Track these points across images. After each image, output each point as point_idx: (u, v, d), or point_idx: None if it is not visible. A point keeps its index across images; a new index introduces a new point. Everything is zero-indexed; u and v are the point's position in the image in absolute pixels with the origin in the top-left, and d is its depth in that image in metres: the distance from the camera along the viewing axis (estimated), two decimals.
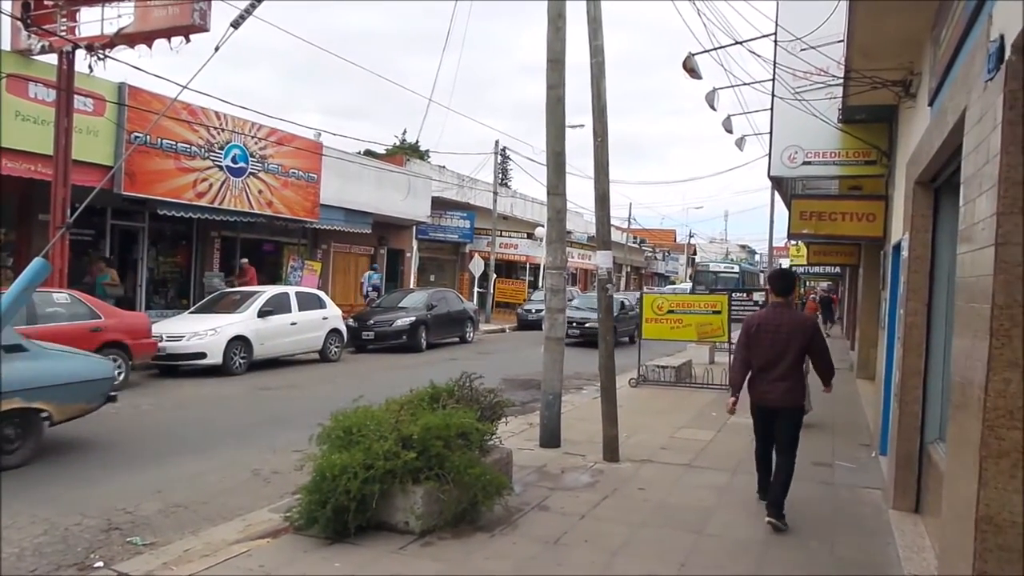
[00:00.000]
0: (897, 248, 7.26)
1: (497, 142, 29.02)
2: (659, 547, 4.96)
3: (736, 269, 39.28)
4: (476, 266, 27.94)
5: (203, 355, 12.64)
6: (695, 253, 65.95)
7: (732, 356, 6.62)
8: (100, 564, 4.59)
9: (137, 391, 10.96)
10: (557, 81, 7.74)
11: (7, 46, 12.85)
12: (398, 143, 38.30)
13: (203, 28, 11.46)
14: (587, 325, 19.49)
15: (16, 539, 4.95)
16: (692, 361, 13.90)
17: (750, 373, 5.76)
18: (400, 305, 18.98)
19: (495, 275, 29.39)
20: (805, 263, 27.12)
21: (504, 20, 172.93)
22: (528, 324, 24.75)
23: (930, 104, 5.54)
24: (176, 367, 12.73)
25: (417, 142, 32.95)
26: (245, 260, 18.12)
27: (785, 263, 45.92)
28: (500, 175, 33.52)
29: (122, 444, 7.86)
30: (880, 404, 7.91)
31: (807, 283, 47.09)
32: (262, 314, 13.83)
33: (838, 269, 27.30)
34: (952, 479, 3.55)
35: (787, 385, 5.60)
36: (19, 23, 12.49)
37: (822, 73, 9.05)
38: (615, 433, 7.34)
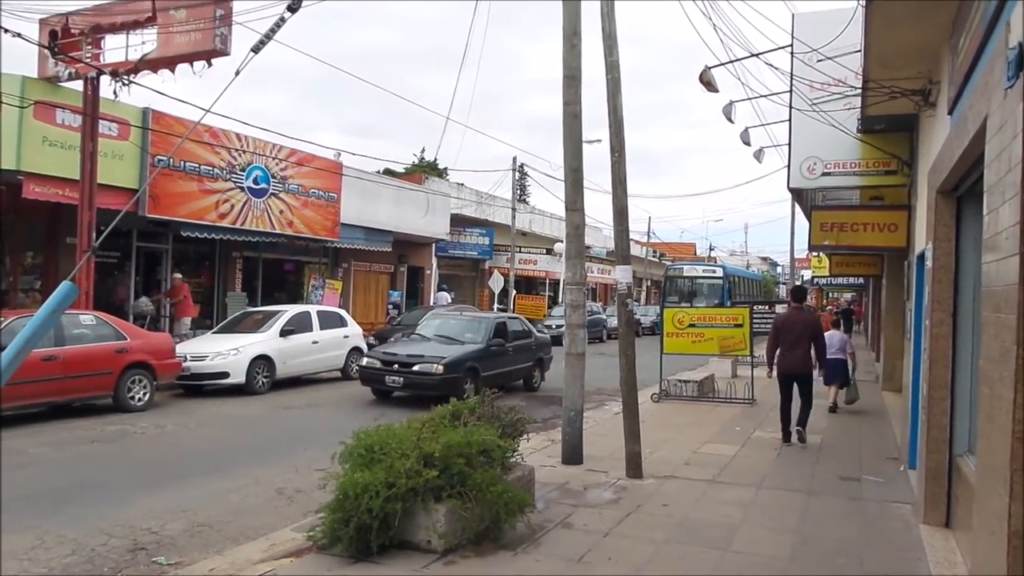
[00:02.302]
0: (921, 258, 7.17)
1: (515, 159, 29.16)
2: (684, 564, 4.91)
3: (718, 273, 30.69)
4: (495, 282, 27.99)
5: (226, 374, 12.75)
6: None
7: (768, 341, 9.77)
8: None
9: (162, 411, 11.07)
10: (573, 98, 7.77)
11: (35, 73, 13.17)
12: (416, 161, 38.59)
13: (224, 52, 11.66)
14: (416, 368, 11.78)
15: (44, 559, 5.01)
16: (715, 375, 13.78)
17: (778, 352, 9.12)
18: (420, 322, 18.98)
19: (515, 291, 29.40)
20: (827, 274, 26.90)
21: (517, 35, 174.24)
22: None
23: (950, 113, 5.50)
24: (200, 387, 12.85)
25: (435, 160, 33.16)
26: (178, 276, 16.52)
27: (807, 275, 45.58)
28: (518, 191, 33.64)
29: (147, 464, 7.94)
30: (907, 416, 7.79)
31: (829, 295, 46.65)
32: (284, 333, 13.94)
33: (861, 280, 27.03)
34: (983, 492, 3.48)
35: (802, 359, 8.96)
36: (46, 51, 12.80)
37: (840, 84, 9.02)
38: (638, 449, 7.29)
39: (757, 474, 7.41)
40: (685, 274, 30.38)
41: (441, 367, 11.72)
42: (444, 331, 13.54)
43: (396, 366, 12.03)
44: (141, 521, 5.82)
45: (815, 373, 9.31)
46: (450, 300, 26.48)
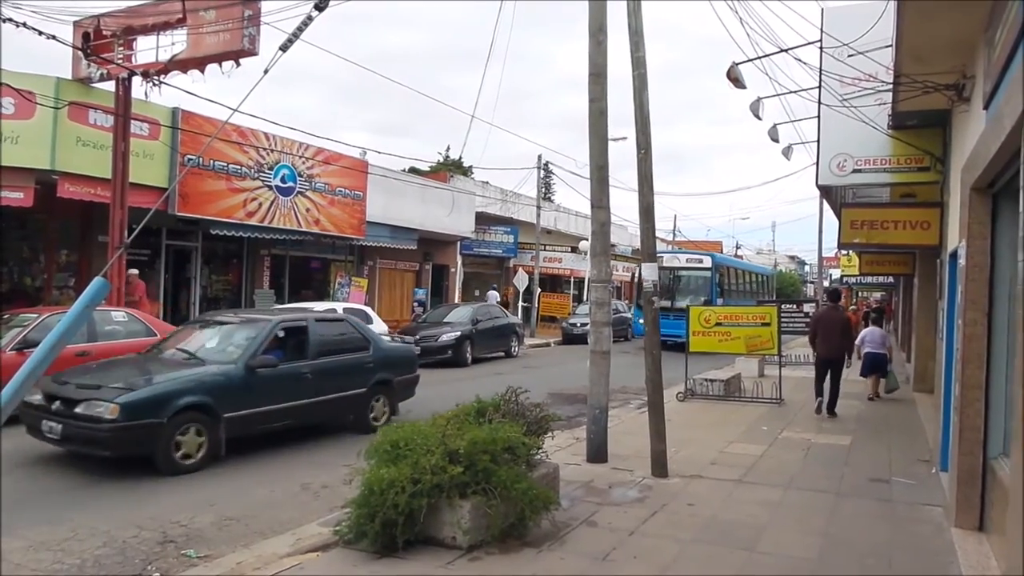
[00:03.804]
0: (954, 256, 7.04)
1: (540, 156, 29.11)
2: (710, 564, 4.87)
3: (705, 264, 24.41)
4: (520, 280, 28.01)
5: None
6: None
7: (809, 332, 11.91)
8: (157, 575, 4.70)
9: None
10: (599, 94, 7.74)
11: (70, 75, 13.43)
12: (442, 160, 38.72)
13: (252, 52, 11.81)
14: (79, 411, 7.74)
15: (77, 550, 5.10)
16: (741, 375, 13.65)
17: (817, 340, 11.10)
18: (445, 320, 19.09)
19: (539, 289, 29.39)
20: (857, 273, 26.52)
21: (542, 34, 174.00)
22: (573, 338, 24.62)
23: (985, 108, 5.38)
24: None
25: (460, 158, 33.26)
26: (134, 272, 14.43)
27: (835, 274, 44.99)
28: (543, 189, 33.62)
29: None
30: (940, 418, 7.65)
31: (858, 294, 46.03)
32: None
33: (891, 279, 26.61)
34: (1017, 495, 3.41)
35: (836, 348, 10.90)
36: (80, 52, 13.04)
37: (871, 79, 8.87)
38: (663, 448, 7.24)
39: (785, 475, 7.33)
40: (664, 264, 23.36)
41: (116, 409, 6.80)
42: (200, 343, 8.75)
43: (58, 404, 7.17)
44: (170, 514, 5.91)
45: (894, 381, 12.63)
46: (499, 299, 26.86)
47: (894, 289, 31.47)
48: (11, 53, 11.88)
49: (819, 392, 11.12)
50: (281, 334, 8.73)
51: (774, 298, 30.60)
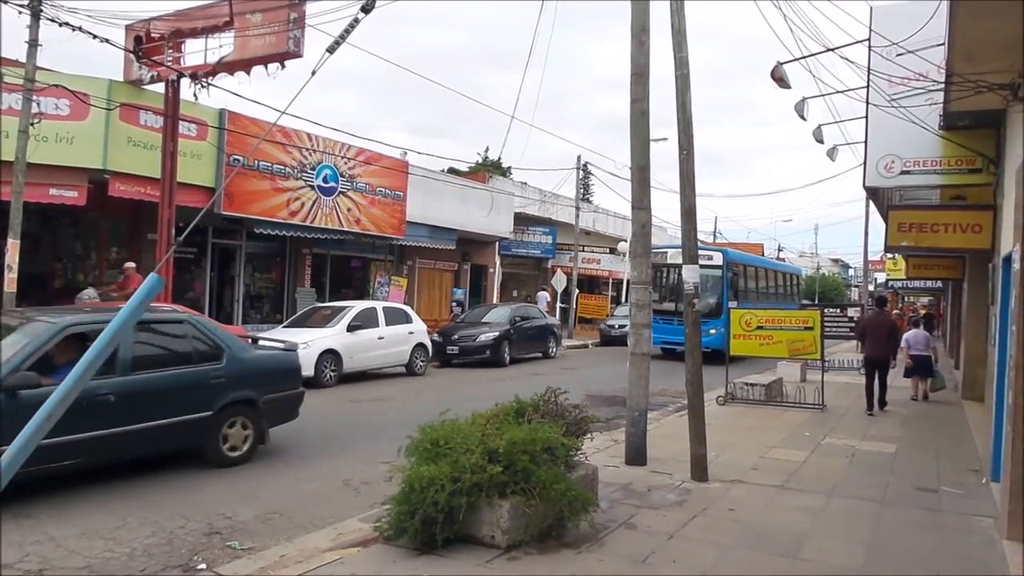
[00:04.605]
0: (1007, 260, 6.83)
1: (579, 157, 29.02)
2: (751, 571, 4.81)
3: (715, 261, 20.91)
4: (558, 281, 27.97)
5: None
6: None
7: (857, 335, 13.74)
8: (203, 566, 4.81)
9: None
10: (641, 95, 7.70)
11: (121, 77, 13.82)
12: (480, 160, 38.86)
13: (297, 54, 12.00)
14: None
15: (127, 539, 5.25)
16: (783, 379, 13.44)
17: (866, 341, 12.12)
18: (483, 320, 19.15)
19: (577, 290, 29.31)
20: (903, 277, 25.91)
21: (580, 34, 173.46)
22: (611, 340, 24.50)
23: None
24: None
25: (499, 159, 33.33)
26: (131, 264, 13.73)
27: (881, 278, 44.02)
28: (582, 190, 33.50)
29: None
30: (991, 427, 7.44)
31: (904, 299, 45.00)
32: (351, 328, 14.24)
33: (940, 283, 25.94)
34: None
35: (881, 350, 11.66)
36: (131, 55, 13.41)
37: (921, 78, 8.68)
38: (703, 451, 7.17)
39: (828, 481, 7.20)
40: (669, 261, 20.75)
41: None
42: None
43: None
44: (215, 506, 6.04)
45: (941, 381, 13.35)
46: (549, 300, 26.99)
47: (942, 294, 30.69)
48: (66, 56, 12.27)
49: (869, 392, 11.70)
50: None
51: (800, 301, 28.75)
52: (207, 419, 7.21)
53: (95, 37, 11.42)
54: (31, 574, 4.61)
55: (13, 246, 11.28)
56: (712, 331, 16.77)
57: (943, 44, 7.10)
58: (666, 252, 21.31)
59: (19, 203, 11.36)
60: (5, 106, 12.39)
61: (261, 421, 7.78)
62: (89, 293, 12.63)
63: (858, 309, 18.82)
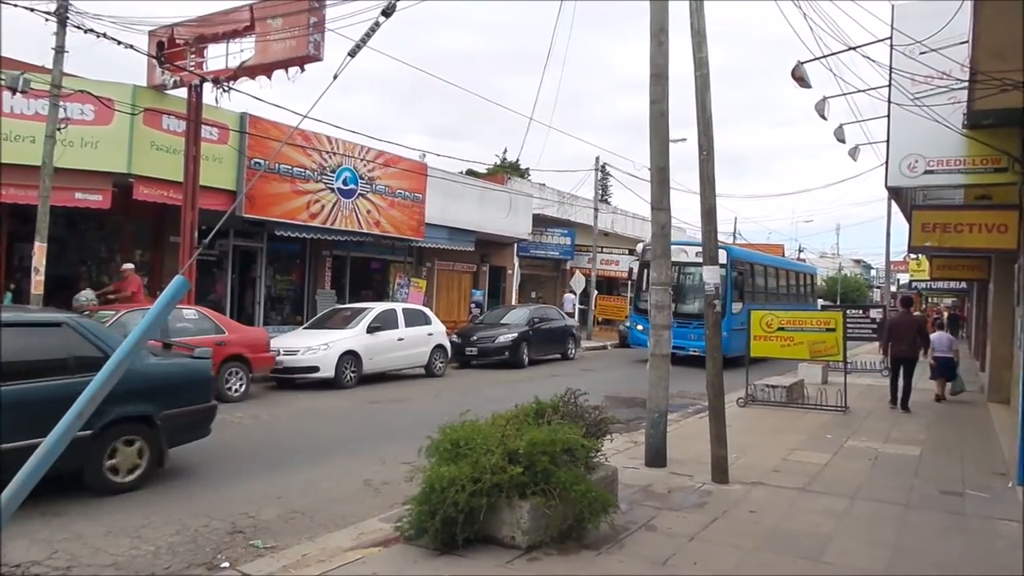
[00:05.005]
0: None
1: (597, 158, 28.99)
2: (772, 573, 4.78)
3: (719, 260, 14.60)
4: (577, 283, 27.94)
5: (316, 369, 13.21)
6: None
7: (884, 336, 13.35)
8: (226, 564, 4.87)
9: (257, 402, 11.57)
10: (660, 96, 7.68)
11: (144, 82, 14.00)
12: (499, 162, 38.91)
13: (317, 58, 12.10)
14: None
15: (153, 537, 5.33)
16: (804, 381, 13.33)
17: (891, 342, 12.26)
18: (502, 322, 19.18)
19: (596, 292, 29.25)
20: (927, 278, 25.59)
21: (598, 35, 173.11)
22: None
23: None
24: (292, 380, 13.36)
25: (517, 160, 33.34)
26: (130, 266, 13.60)
27: (904, 279, 43.51)
28: (600, 191, 33.44)
29: (244, 452, 8.34)
30: (1017, 429, 7.33)
31: (927, 300, 44.48)
32: (371, 330, 14.33)
33: (964, 284, 25.60)
34: None
35: (908, 348, 11.95)
36: (155, 61, 13.59)
37: (944, 77, 8.58)
38: (724, 453, 7.13)
39: (851, 484, 7.13)
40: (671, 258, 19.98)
41: None
42: None
43: None
44: (239, 506, 6.11)
45: (961, 384, 13.57)
46: (575, 302, 26.95)
47: (967, 295, 30.29)
48: (91, 62, 12.45)
49: (894, 387, 12.19)
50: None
51: (814, 302, 27.33)
52: (85, 439, 5.87)
53: (119, 43, 11.60)
54: (60, 571, 4.69)
55: (40, 249, 11.48)
56: None
57: (967, 42, 7.02)
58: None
59: (46, 207, 11.55)
60: (32, 112, 12.63)
61: (159, 441, 6.67)
62: (87, 295, 12.52)
63: (880, 310, 18.58)
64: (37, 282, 11.49)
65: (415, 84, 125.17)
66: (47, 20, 11.41)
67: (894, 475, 7.65)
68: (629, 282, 26.13)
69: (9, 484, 2.41)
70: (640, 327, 19.43)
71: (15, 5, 10.66)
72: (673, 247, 19.37)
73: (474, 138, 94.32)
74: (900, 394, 12.01)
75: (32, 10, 11.03)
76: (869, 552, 5.23)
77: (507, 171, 31.98)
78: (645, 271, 19.60)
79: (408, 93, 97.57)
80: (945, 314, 34.24)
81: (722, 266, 17.97)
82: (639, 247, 21.83)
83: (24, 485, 2.40)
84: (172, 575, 4.74)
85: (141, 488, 6.48)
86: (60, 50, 11.57)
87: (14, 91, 11.37)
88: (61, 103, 11.89)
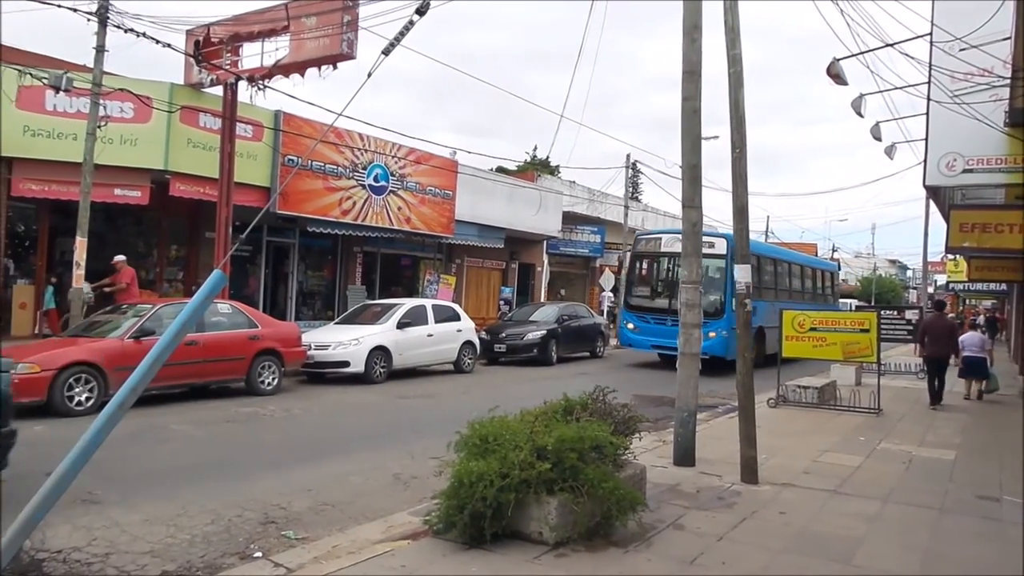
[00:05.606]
0: None
1: (628, 156, 28.87)
2: (801, 575, 4.74)
3: (718, 250, 16.57)
4: (606, 280, 27.87)
5: (347, 363, 13.36)
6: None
7: (918, 337, 13.97)
8: (259, 554, 4.96)
9: (288, 396, 11.74)
10: (692, 93, 7.63)
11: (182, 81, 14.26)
12: (529, 159, 38.91)
13: (350, 56, 12.24)
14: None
15: (187, 526, 5.45)
16: (837, 382, 13.16)
17: (927, 341, 12.58)
18: (531, 319, 19.19)
19: None
20: (965, 279, 25.07)
21: (628, 33, 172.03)
22: None
23: None
24: (322, 374, 13.53)
25: (547, 158, 33.32)
26: (122, 258, 13.50)
27: (941, 280, 42.67)
28: (631, 189, 33.28)
29: (277, 444, 8.48)
30: None
31: (965, 302, 43.58)
32: (401, 326, 14.45)
33: (1004, 286, 25.03)
34: None
35: (942, 349, 12.33)
36: (191, 59, 13.84)
37: (986, 74, 8.41)
38: (753, 454, 7.08)
39: (883, 487, 7.03)
40: (663, 249, 17.77)
41: None
42: None
43: None
44: (271, 497, 6.21)
45: (995, 383, 13.94)
46: (612, 300, 26.91)
47: (1007, 297, 29.62)
48: (130, 60, 12.72)
49: (932, 387, 12.46)
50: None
51: (835, 302, 25.81)
52: None
53: (157, 42, 11.86)
54: (99, 557, 4.82)
55: (81, 244, 11.78)
56: (711, 334, 15.16)
57: (1009, 38, 6.88)
58: (660, 238, 18.50)
59: (87, 203, 11.85)
60: (74, 110, 12.94)
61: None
62: (84, 289, 12.48)
63: (916, 312, 18.26)
64: (78, 276, 11.79)
65: (445, 82, 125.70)
66: (88, 20, 11.69)
67: (928, 479, 7.52)
68: (619, 276, 25.21)
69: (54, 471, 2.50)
70: (631, 325, 18.15)
71: (58, 6, 10.95)
72: (667, 235, 17.88)
73: (504, 135, 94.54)
74: (940, 393, 12.33)
75: (75, 10, 11.31)
76: (900, 556, 5.16)
77: (537, 168, 31.97)
78: (637, 263, 18.88)
79: (438, 91, 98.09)
80: (982, 316, 33.57)
81: (721, 256, 16.62)
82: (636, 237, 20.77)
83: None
84: (207, 563, 4.84)
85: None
86: (101, 49, 11.85)
87: (58, 90, 11.67)
88: (101, 101, 12.18)
